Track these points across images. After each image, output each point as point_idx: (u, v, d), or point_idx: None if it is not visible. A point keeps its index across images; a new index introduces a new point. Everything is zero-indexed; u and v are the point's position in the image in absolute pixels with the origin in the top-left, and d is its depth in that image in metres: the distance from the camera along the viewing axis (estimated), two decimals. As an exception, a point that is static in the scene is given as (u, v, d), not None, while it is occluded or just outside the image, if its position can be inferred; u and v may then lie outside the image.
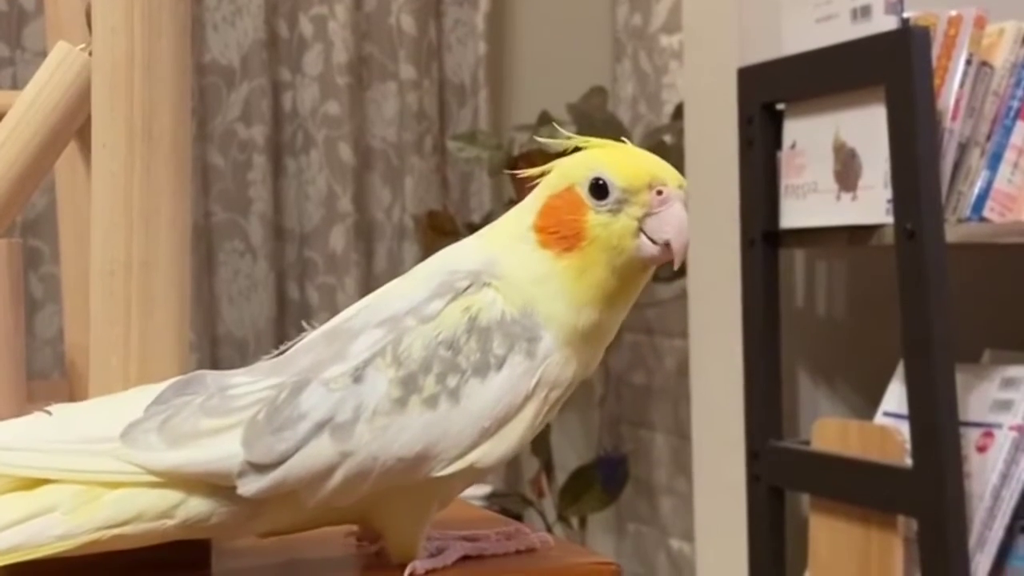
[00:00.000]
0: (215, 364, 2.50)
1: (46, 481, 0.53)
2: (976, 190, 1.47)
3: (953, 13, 1.46)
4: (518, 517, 2.32)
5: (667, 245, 0.56)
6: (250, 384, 0.54)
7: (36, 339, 2.38)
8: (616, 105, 2.76)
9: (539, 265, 0.56)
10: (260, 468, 0.53)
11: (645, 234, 0.56)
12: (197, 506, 0.53)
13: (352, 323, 0.56)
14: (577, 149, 0.58)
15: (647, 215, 0.56)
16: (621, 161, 0.56)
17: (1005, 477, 1.43)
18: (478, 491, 2.43)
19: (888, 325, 1.49)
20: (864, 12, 1.45)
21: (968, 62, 1.45)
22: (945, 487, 1.34)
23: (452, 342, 0.55)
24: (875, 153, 1.44)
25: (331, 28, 2.63)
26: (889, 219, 1.41)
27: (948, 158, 1.45)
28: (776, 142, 1.59)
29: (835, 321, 1.71)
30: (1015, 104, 1.48)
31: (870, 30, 1.43)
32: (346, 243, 2.62)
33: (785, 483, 1.59)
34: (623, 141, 0.59)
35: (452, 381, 0.54)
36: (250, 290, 2.58)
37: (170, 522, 0.53)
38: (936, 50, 1.44)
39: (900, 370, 1.48)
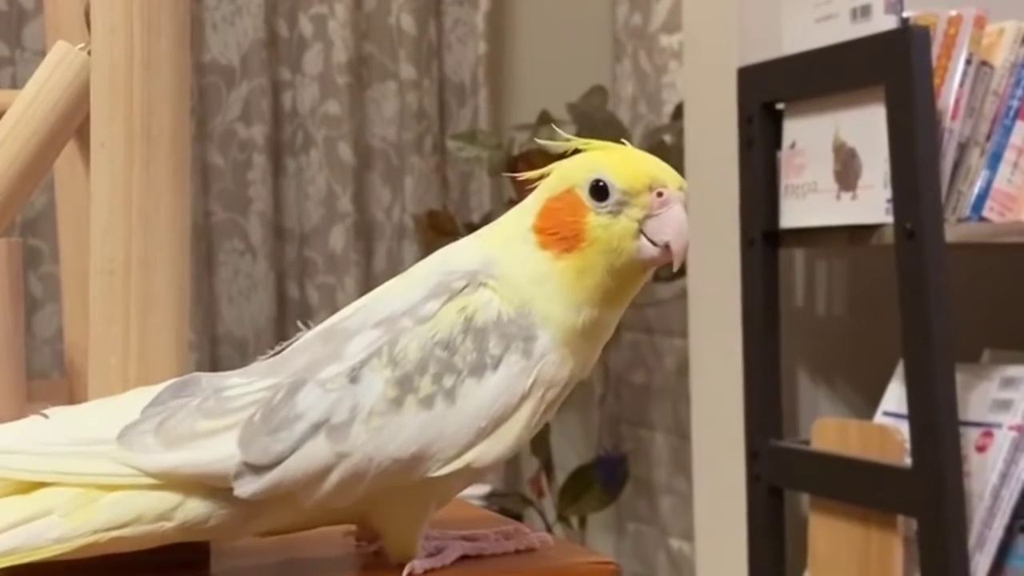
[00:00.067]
0: (215, 363, 2.51)
1: (43, 484, 0.53)
2: (976, 190, 1.47)
3: (953, 13, 1.46)
4: (518, 517, 2.32)
5: (667, 247, 0.56)
6: (246, 385, 0.54)
7: (35, 338, 2.38)
8: (616, 105, 2.75)
9: (538, 266, 0.56)
10: (256, 469, 0.53)
11: (645, 236, 0.56)
12: (195, 508, 0.53)
13: (348, 323, 0.56)
14: (577, 150, 0.58)
15: (647, 217, 0.56)
16: (621, 163, 0.56)
17: (1005, 477, 1.43)
18: (477, 491, 2.43)
19: (888, 325, 1.49)
20: (864, 12, 1.45)
21: (968, 62, 1.45)
22: (945, 487, 1.34)
23: (448, 342, 0.55)
24: (875, 153, 1.44)
25: (331, 27, 2.63)
26: (889, 219, 1.41)
27: (948, 158, 1.45)
28: (776, 142, 1.59)
29: (835, 321, 1.71)
30: (1015, 104, 1.48)
31: (870, 30, 1.43)
32: (346, 243, 2.62)
33: (785, 483, 1.59)
34: (622, 142, 0.59)
35: (448, 381, 0.54)
36: (250, 289, 2.58)
37: (168, 524, 0.53)
38: (936, 50, 1.44)
39: (900, 370, 1.48)
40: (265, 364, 0.56)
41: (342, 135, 2.62)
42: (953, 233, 1.41)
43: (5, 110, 0.70)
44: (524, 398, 0.55)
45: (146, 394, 0.55)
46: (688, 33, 1.83)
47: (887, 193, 1.42)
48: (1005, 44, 1.48)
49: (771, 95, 1.59)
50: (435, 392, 0.54)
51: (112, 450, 0.53)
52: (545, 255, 0.56)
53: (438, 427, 0.54)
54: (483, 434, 0.54)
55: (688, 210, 0.57)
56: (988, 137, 1.48)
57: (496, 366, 0.55)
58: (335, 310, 0.59)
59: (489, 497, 2.48)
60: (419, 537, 0.56)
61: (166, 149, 0.59)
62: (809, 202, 1.53)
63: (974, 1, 1.46)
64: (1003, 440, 1.44)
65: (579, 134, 0.59)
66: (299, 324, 0.59)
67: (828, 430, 1.54)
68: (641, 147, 0.59)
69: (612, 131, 2.33)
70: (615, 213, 0.56)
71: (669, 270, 0.57)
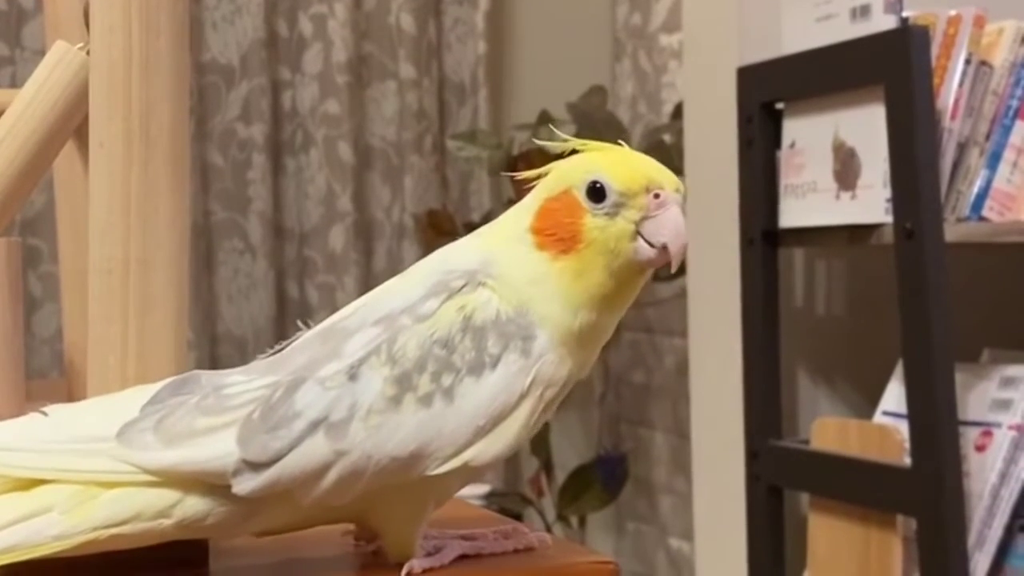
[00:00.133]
0: (214, 362, 2.51)
1: (43, 481, 0.53)
2: (975, 189, 1.47)
3: (952, 12, 1.46)
4: (517, 516, 2.32)
5: (664, 248, 0.56)
6: (245, 383, 0.55)
7: (35, 338, 2.38)
8: (616, 104, 2.75)
9: (535, 266, 0.56)
10: (255, 467, 0.53)
11: (642, 237, 0.56)
12: (194, 505, 0.53)
13: (347, 322, 0.56)
14: (575, 151, 0.58)
15: (644, 218, 0.56)
16: (618, 164, 0.57)
17: (1004, 476, 1.43)
18: (477, 490, 2.43)
19: (887, 324, 1.49)
20: (863, 11, 1.45)
21: (967, 61, 1.45)
22: (944, 486, 1.34)
23: (447, 341, 0.55)
24: (874, 152, 1.44)
25: (331, 27, 2.63)
26: (888, 218, 1.41)
27: (947, 157, 1.45)
28: (775, 141, 1.59)
29: (834, 320, 1.71)
30: (1014, 103, 1.48)
31: (869, 29, 1.43)
32: (345, 242, 2.62)
33: (784, 482, 1.59)
34: (620, 143, 0.59)
35: (447, 380, 0.54)
36: (249, 289, 2.58)
37: (167, 522, 0.53)
38: (935, 49, 1.44)
39: (899, 369, 1.48)
40: (265, 362, 0.57)
41: (342, 134, 2.62)
42: (952, 233, 1.41)
43: (4, 109, 0.70)
44: (523, 397, 0.55)
45: (145, 392, 0.55)
46: (688, 33, 1.83)
47: (887, 193, 1.42)
48: (1004, 44, 1.48)
49: (771, 95, 1.59)
50: (434, 390, 0.54)
51: (111, 447, 0.53)
52: (542, 256, 0.56)
53: (436, 425, 0.54)
54: (481, 433, 0.54)
55: (687, 210, 0.57)
56: (987, 137, 1.48)
57: (495, 365, 0.55)
58: (335, 310, 0.59)
59: (489, 497, 2.48)
60: (417, 536, 0.56)
61: (165, 149, 0.59)
62: (809, 202, 1.53)
63: (974, 1, 1.46)
64: (1002, 440, 1.44)
65: (579, 134, 0.59)
66: (299, 323, 0.59)
67: (828, 430, 1.54)
68: (641, 147, 0.59)
69: (612, 131, 2.33)
70: (612, 215, 0.56)
71: (668, 270, 0.57)
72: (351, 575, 0.58)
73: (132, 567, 0.55)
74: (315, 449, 0.53)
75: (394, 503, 0.55)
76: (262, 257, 2.58)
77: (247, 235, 2.58)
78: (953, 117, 1.45)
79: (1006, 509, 1.43)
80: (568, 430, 2.72)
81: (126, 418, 0.53)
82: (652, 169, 0.57)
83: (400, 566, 0.55)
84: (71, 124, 0.70)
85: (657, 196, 0.56)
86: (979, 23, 1.45)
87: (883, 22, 1.42)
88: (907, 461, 1.41)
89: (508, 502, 2.51)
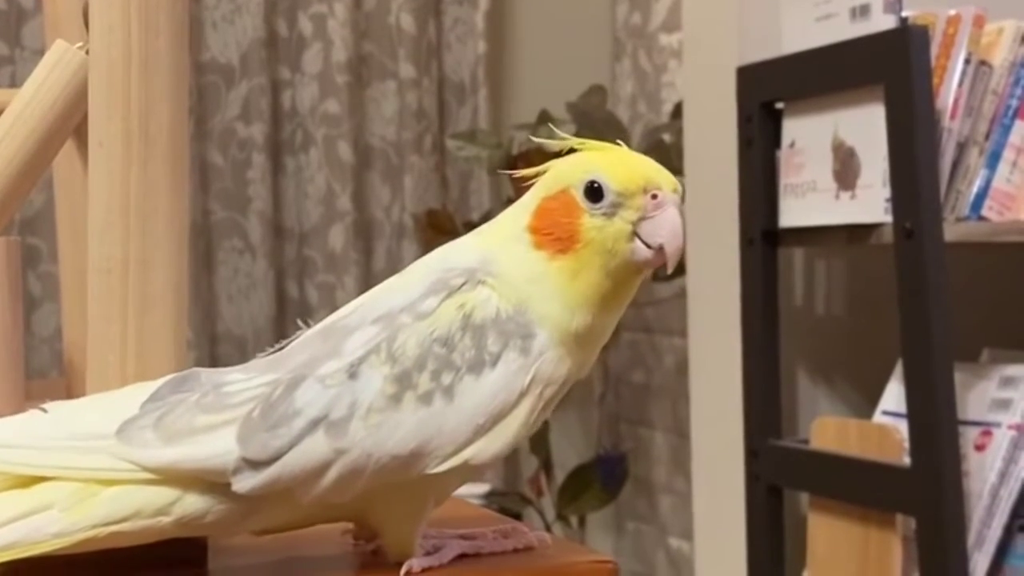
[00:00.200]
0: (214, 362, 2.50)
1: (43, 478, 0.53)
2: (975, 189, 1.47)
3: (952, 12, 1.46)
4: (517, 516, 2.32)
5: (661, 249, 0.56)
6: (245, 381, 0.55)
7: (34, 337, 2.38)
8: (615, 104, 2.76)
9: (534, 266, 0.56)
10: (255, 465, 0.53)
11: (639, 238, 0.56)
12: (193, 503, 0.53)
13: (347, 320, 0.56)
14: (573, 150, 0.58)
15: (642, 219, 0.56)
16: (616, 164, 0.57)
17: (1003, 476, 1.43)
18: (476, 490, 2.43)
19: (887, 324, 1.49)
20: (863, 11, 1.45)
21: (967, 61, 1.45)
22: (944, 486, 1.34)
23: (447, 339, 0.55)
24: (874, 152, 1.44)
25: (330, 26, 2.63)
26: (888, 218, 1.41)
27: (947, 157, 1.45)
28: (775, 141, 1.58)
29: (834, 320, 1.71)
30: (1014, 103, 1.48)
31: (869, 29, 1.43)
32: (345, 242, 2.62)
33: (784, 482, 1.59)
34: (618, 143, 0.59)
35: (447, 378, 0.54)
36: (249, 288, 2.58)
37: (166, 519, 0.53)
38: (935, 49, 1.44)
39: (899, 369, 1.48)
40: (265, 360, 0.57)
41: (341, 134, 2.62)
42: (952, 232, 1.41)
43: (3, 109, 0.70)
44: (522, 395, 0.55)
45: (145, 389, 0.55)
46: (688, 32, 1.83)
47: (886, 192, 1.42)
48: (1004, 43, 1.48)
49: (770, 94, 1.59)
50: (433, 389, 0.54)
51: (111, 445, 0.53)
52: (540, 255, 0.56)
53: (436, 424, 0.54)
54: (481, 431, 0.54)
55: (686, 210, 0.57)
56: (987, 136, 1.48)
57: (494, 363, 0.55)
58: (334, 309, 0.60)
59: (488, 496, 2.48)
60: (417, 535, 0.56)
61: (164, 148, 0.59)
62: (808, 201, 1.53)
63: (973, 1, 1.46)
64: (1002, 439, 1.44)
65: (578, 133, 0.59)
66: (299, 323, 0.59)
67: (827, 429, 1.54)
68: (640, 146, 0.59)
69: (611, 130, 2.33)
70: (609, 215, 0.56)
71: (666, 270, 0.57)
72: (350, 574, 0.58)
73: (131, 565, 0.55)
74: (315, 447, 0.53)
75: (394, 501, 0.55)
76: (262, 257, 2.58)
77: (247, 235, 2.58)
78: (953, 117, 1.45)
79: (1005, 509, 1.43)
80: (568, 430, 2.72)
81: (126, 415, 0.54)
82: (650, 169, 0.57)
83: (399, 565, 0.55)
84: (70, 123, 0.70)
85: (655, 197, 0.56)
86: (979, 23, 1.45)
87: (883, 22, 1.42)
88: (907, 461, 1.41)
89: (507, 501, 2.51)
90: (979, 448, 1.45)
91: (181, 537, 0.55)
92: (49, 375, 2.27)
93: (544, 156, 0.59)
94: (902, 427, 1.43)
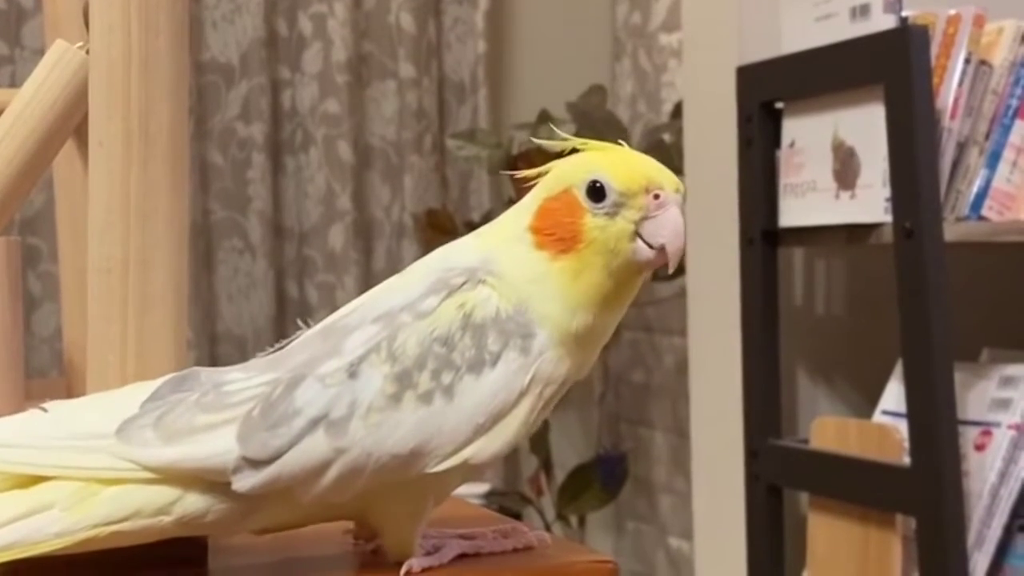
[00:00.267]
0: (214, 362, 2.50)
1: (43, 478, 0.53)
2: (975, 189, 1.47)
3: (952, 12, 1.46)
4: (517, 516, 2.32)
5: (663, 249, 0.56)
6: (245, 380, 0.55)
7: (34, 337, 2.38)
8: (615, 104, 2.76)
9: (535, 266, 0.56)
10: (255, 464, 0.53)
11: (641, 238, 0.56)
12: (193, 502, 0.53)
13: (347, 320, 0.56)
14: (575, 150, 0.58)
15: (644, 219, 0.56)
16: (618, 164, 0.57)
17: (1003, 476, 1.43)
18: (476, 489, 2.43)
19: (887, 324, 1.49)
20: (863, 11, 1.45)
21: (967, 61, 1.45)
22: (943, 486, 1.34)
23: (447, 338, 0.55)
24: (874, 152, 1.44)
25: (330, 26, 2.63)
26: (888, 218, 1.41)
27: (947, 157, 1.45)
28: (775, 141, 1.59)
29: (834, 320, 1.71)
30: (1014, 103, 1.48)
31: (869, 29, 1.43)
32: (345, 241, 2.62)
33: (784, 482, 1.59)
34: (620, 143, 0.59)
35: (447, 377, 0.54)
36: (249, 288, 2.58)
37: (167, 519, 0.53)
38: (935, 49, 1.44)
39: (899, 369, 1.48)
40: (265, 360, 0.57)
41: (341, 134, 2.62)
42: (952, 232, 1.41)
43: (3, 108, 0.70)
44: (522, 395, 0.55)
45: (145, 388, 0.55)
46: (687, 32, 1.83)
47: (886, 192, 1.42)
48: (1004, 43, 1.48)
49: (770, 94, 1.59)
50: (433, 388, 0.54)
51: (111, 444, 0.53)
52: (541, 255, 0.56)
53: (436, 423, 0.54)
54: (481, 430, 0.54)
55: (687, 209, 0.57)
56: (987, 136, 1.48)
57: (494, 363, 0.55)
58: (334, 309, 0.60)
59: (488, 496, 2.48)
60: (417, 535, 0.56)
61: (164, 148, 0.59)
62: (808, 201, 1.53)
63: (973, 0, 1.46)
64: (1002, 439, 1.44)
65: (578, 133, 0.59)
66: (299, 322, 0.59)
67: (827, 429, 1.54)
68: (640, 146, 0.59)
69: (611, 130, 2.33)
70: (612, 215, 0.56)
71: (667, 269, 0.57)
72: (350, 574, 0.59)
73: (132, 565, 0.55)
74: (315, 446, 0.53)
75: (393, 501, 0.55)
76: (262, 256, 2.58)
77: (247, 234, 2.58)
78: (953, 116, 1.45)
79: (1005, 508, 1.43)
80: (568, 429, 2.72)
81: (126, 415, 0.54)
82: (652, 169, 0.57)
83: (399, 565, 0.55)
84: (70, 123, 0.70)
85: (657, 196, 0.56)
86: (979, 22, 1.45)
87: (883, 21, 1.42)
88: (906, 460, 1.41)
89: (507, 501, 2.51)
90: (979, 448, 1.45)
91: (181, 536, 0.55)
92: (49, 375, 2.27)
93: (545, 156, 0.59)
94: (902, 427, 1.43)
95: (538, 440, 2.51)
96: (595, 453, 2.70)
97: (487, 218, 2.30)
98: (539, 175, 0.59)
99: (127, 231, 0.58)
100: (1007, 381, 1.47)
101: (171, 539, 0.54)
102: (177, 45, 0.59)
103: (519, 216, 0.58)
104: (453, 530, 0.59)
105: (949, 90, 1.45)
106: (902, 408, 1.43)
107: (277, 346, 0.58)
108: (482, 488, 2.48)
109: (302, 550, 0.60)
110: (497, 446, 0.55)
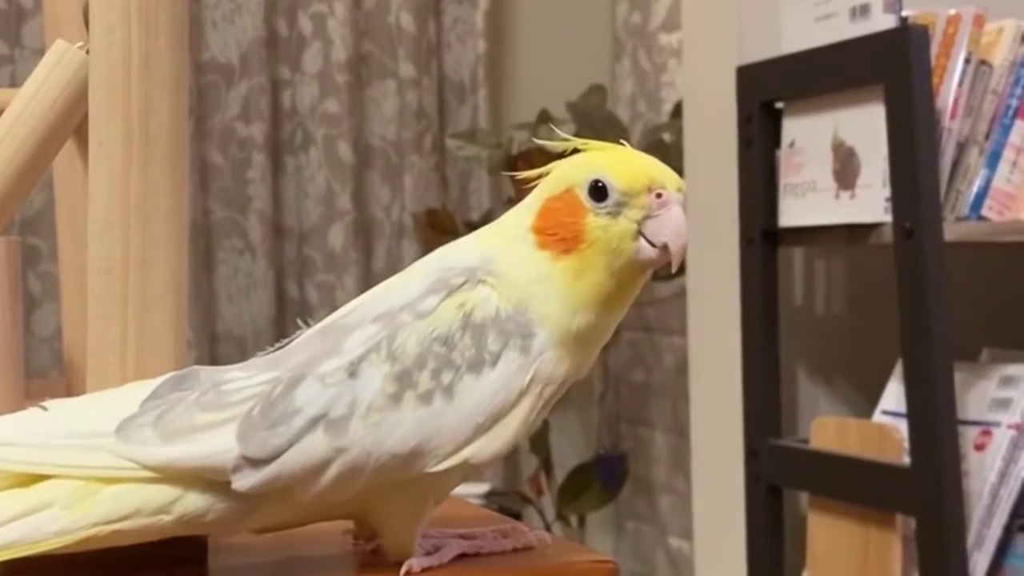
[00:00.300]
0: (214, 361, 2.50)
1: (43, 477, 0.53)
2: (975, 189, 1.47)
3: (952, 12, 1.46)
4: (517, 515, 2.32)
5: (665, 248, 0.56)
6: (245, 379, 0.55)
7: (34, 337, 2.38)
8: (615, 103, 2.76)
9: (537, 266, 0.56)
10: (254, 463, 0.53)
11: (644, 237, 0.56)
12: (193, 501, 0.53)
13: (347, 319, 0.56)
14: (576, 150, 0.58)
15: (646, 218, 0.56)
16: (620, 163, 0.57)
17: (1003, 475, 1.43)
18: (476, 489, 2.43)
19: (887, 323, 1.49)
20: (863, 11, 1.45)
21: (967, 61, 1.45)
22: (943, 486, 1.34)
23: (447, 338, 0.55)
24: (874, 152, 1.44)
25: (330, 26, 2.63)
26: (888, 218, 1.41)
27: (947, 157, 1.45)
28: (775, 140, 1.59)
29: (834, 319, 1.71)
30: (1014, 103, 1.48)
31: (869, 29, 1.43)
32: (345, 241, 2.62)
33: (784, 481, 1.59)
34: (622, 143, 0.59)
35: (446, 377, 0.54)
36: (249, 288, 2.58)
37: (167, 518, 0.53)
38: (935, 49, 1.44)
39: (899, 369, 1.48)
40: (264, 359, 0.57)
41: (341, 134, 2.62)
42: (952, 232, 1.41)
43: (3, 108, 0.70)
44: (522, 395, 0.55)
45: (145, 387, 0.55)
46: (687, 32, 1.83)
47: (886, 192, 1.42)
48: (1004, 43, 1.48)
49: (770, 94, 1.59)
50: (433, 388, 0.54)
51: (111, 443, 0.53)
52: (544, 255, 0.56)
53: (436, 423, 0.54)
54: (481, 430, 0.54)
55: (687, 209, 0.57)
56: (987, 136, 1.48)
57: (494, 362, 0.55)
58: (334, 308, 0.60)
59: (488, 496, 2.48)
60: (417, 535, 0.56)
61: (164, 148, 0.59)
62: (808, 201, 1.53)
63: (973, 0, 1.46)
64: (1002, 439, 1.44)
65: (578, 133, 0.59)
66: (299, 322, 0.59)
67: (827, 429, 1.54)
68: (640, 146, 0.59)
69: (611, 130, 2.33)
70: (614, 214, 0.56)
71: (668, 269, 0.57)
72: (350, 574, 0.59)
73: (131, 564, 0.55)
74: (315, 446, 0.53)
75: (393, 500, 0.55)
76: (262, 256, 2.58)
77: (247, 234, 2.58)
78: (953, 116, 1.45)
79: (1005, 508, 1.43)
80: (568, 429, 2.72)
81: (125, 413, 0.54)
82: (654, 168, 0.57)
83: (399, 565, 0.55)
84: (70, 123, 0.70)
85: (659, 195, 0.56)
86: (979, 22, 1.45)
87: (883, 21, 1.42)
88: (906, 460, 1.41)
89: (507, 501, 2.51)
90: (979, 448, 1.45)
91: (181, 536, 0.55)
92: (49, 375, 2.27)
93: (545, 156, 0.59)
94: (902, 427, 1.43)
95: (538, 440, 2.51)
96: (595, 453, 2.70)
97: (487, 218, 2.30)
98: (540, 175, 0.59)
99: (127, 231, 0.58)
100: (1007, 381, 1.47)
101: (171, 538, 0.54)
102: (177, 45, 0.59)
103: (521, 216, 0.58)
104: (453, 530, 0.59)
105: (949, 90, 1.45)
106: (902, 408, 1.43)
107: (277, 345, 0.58)
108: (482, 488, 2.48)
109: (302, 550, 0.60)
110: (497, 446, 0.55)
